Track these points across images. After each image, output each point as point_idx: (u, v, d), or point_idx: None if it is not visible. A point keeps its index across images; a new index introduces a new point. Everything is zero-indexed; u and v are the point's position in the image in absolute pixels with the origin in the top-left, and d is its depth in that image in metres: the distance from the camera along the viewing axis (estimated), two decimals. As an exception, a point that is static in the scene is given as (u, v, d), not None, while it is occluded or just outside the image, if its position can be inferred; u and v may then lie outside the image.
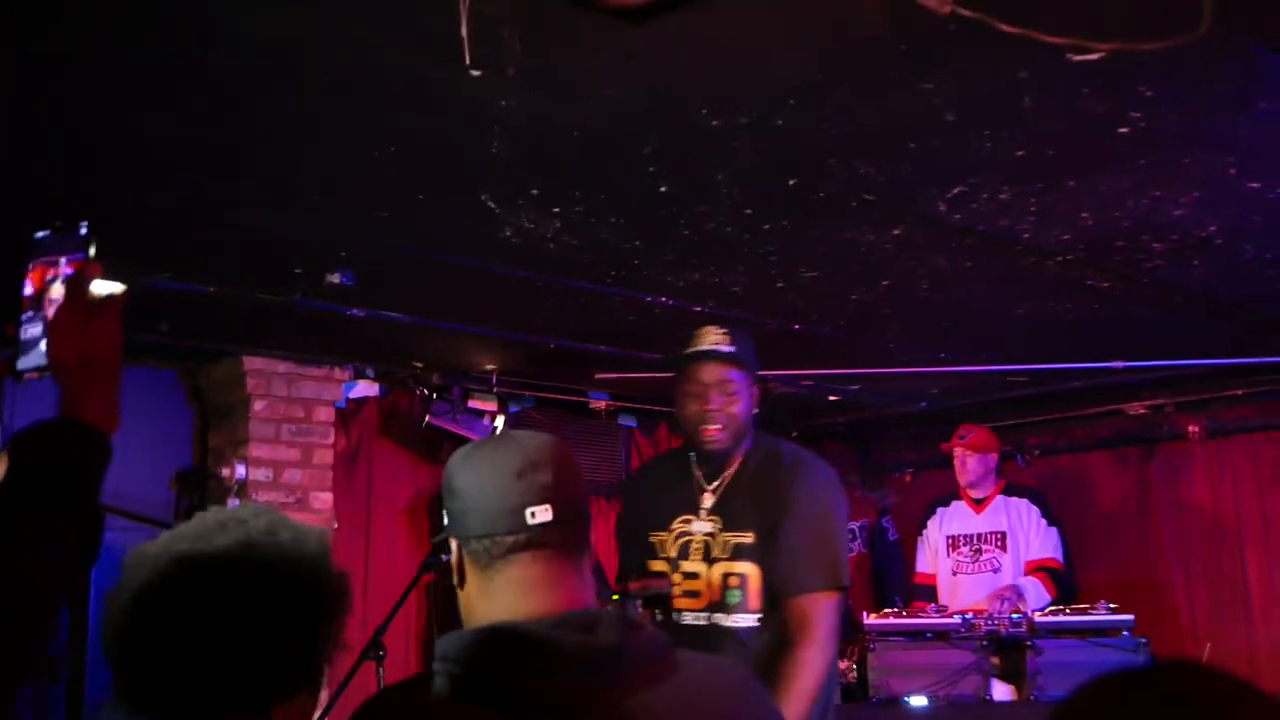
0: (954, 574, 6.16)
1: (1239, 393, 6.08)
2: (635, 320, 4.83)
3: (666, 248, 3.96)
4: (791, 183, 3.38)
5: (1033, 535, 6.01)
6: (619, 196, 3.51)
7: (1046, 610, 5.30)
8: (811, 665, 3.24)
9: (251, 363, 5.44)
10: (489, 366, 5.79)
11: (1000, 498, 6.12)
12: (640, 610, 3.40)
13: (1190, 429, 6.41)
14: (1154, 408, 6.42)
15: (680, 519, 3.50)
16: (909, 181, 3.41)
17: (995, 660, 5.19)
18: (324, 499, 5.60)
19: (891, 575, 7.02)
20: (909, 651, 5.24)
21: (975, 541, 6.11)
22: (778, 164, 3.28)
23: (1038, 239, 3.88)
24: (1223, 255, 4.10)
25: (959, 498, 6.22)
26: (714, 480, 3.50)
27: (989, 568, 6.02)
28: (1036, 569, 5.88)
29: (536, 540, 1.75)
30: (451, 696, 1.64)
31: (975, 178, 3.36)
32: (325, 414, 5.66)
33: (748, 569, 3.41)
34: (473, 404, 6.01)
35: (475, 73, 2.64)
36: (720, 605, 3.41)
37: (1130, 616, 5.03)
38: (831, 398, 6.35)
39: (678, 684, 1.72)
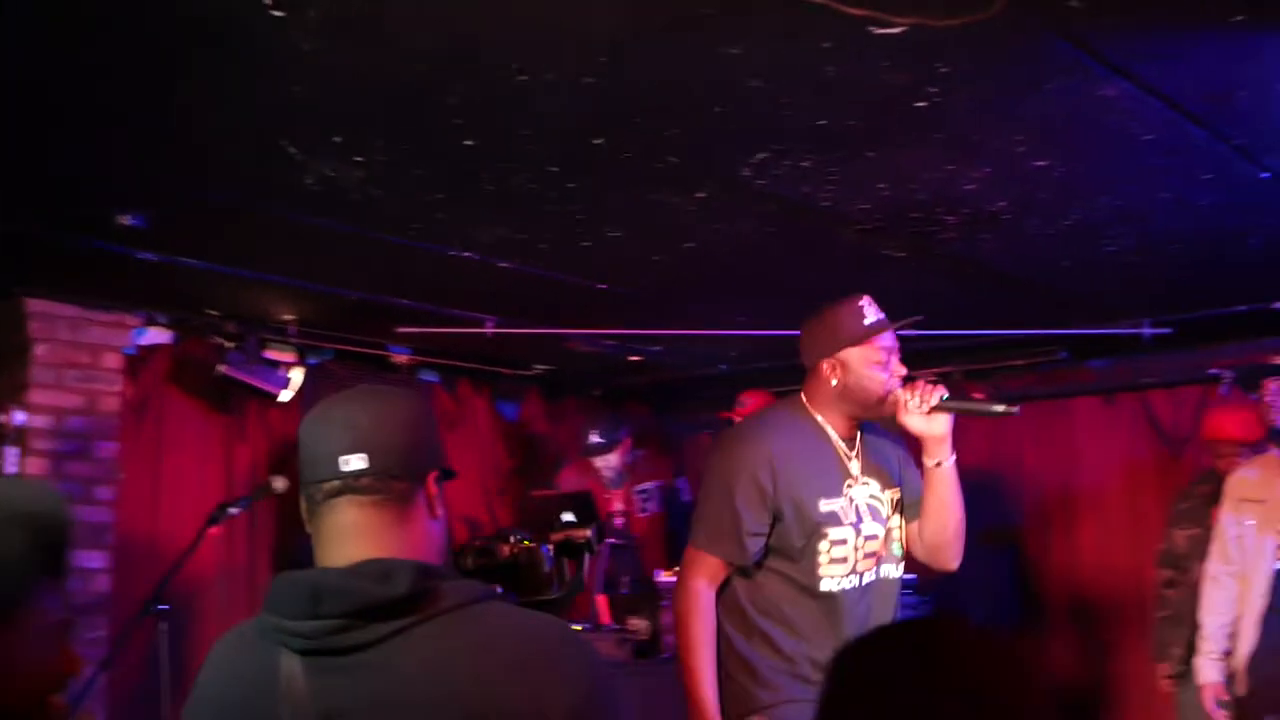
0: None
1: (1020, 362, 6.33)
2: (439, 274, 4.78)
3: (471, 202, 3.92)
4: (597, 142, 3.38)
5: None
6: (423, 148, 3.45)
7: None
8: None
9: (35, 305, 5.20)
10: (287, 317, 5.66)
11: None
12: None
13: (975, 396, 6.64)
14: (943, 375, 6.62)
15: (845, 483, 3.46)
16: (713, 146, 3.44)
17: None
18: (108, 448, 5.40)
19: (685, 535, 7.10)
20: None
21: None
22: (584, 122, 3.27)
23: (837, 207, 3.97)
24: (1011, 230, 4.25)
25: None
26: (852, 446, 3.50)
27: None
28: None
29: (352, 487, 1.82)
30: (254, 637, 1.78)
31: (778, 145, 3.42)
32: (113, 360, 5.45)
33: (902, 521, 3.54)
34: (269, 354, 5.87)
35: (278, 13, 2.56)
36: (889, 558, 3.49)
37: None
38: (633, 358, 6.39)
39: (471, 635, 1.73)
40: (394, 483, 1.84)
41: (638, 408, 7.55)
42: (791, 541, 3.37)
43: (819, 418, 3.48)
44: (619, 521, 6.32)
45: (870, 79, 2.97)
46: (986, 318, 5.57)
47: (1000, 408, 3.41)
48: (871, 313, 3.49)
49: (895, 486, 3.52)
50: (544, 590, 2.32)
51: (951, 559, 3.50)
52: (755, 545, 3.38)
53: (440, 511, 1.91)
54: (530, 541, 2.36)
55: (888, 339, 3.47)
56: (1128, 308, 5.51)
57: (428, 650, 1.72)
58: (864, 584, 3.41)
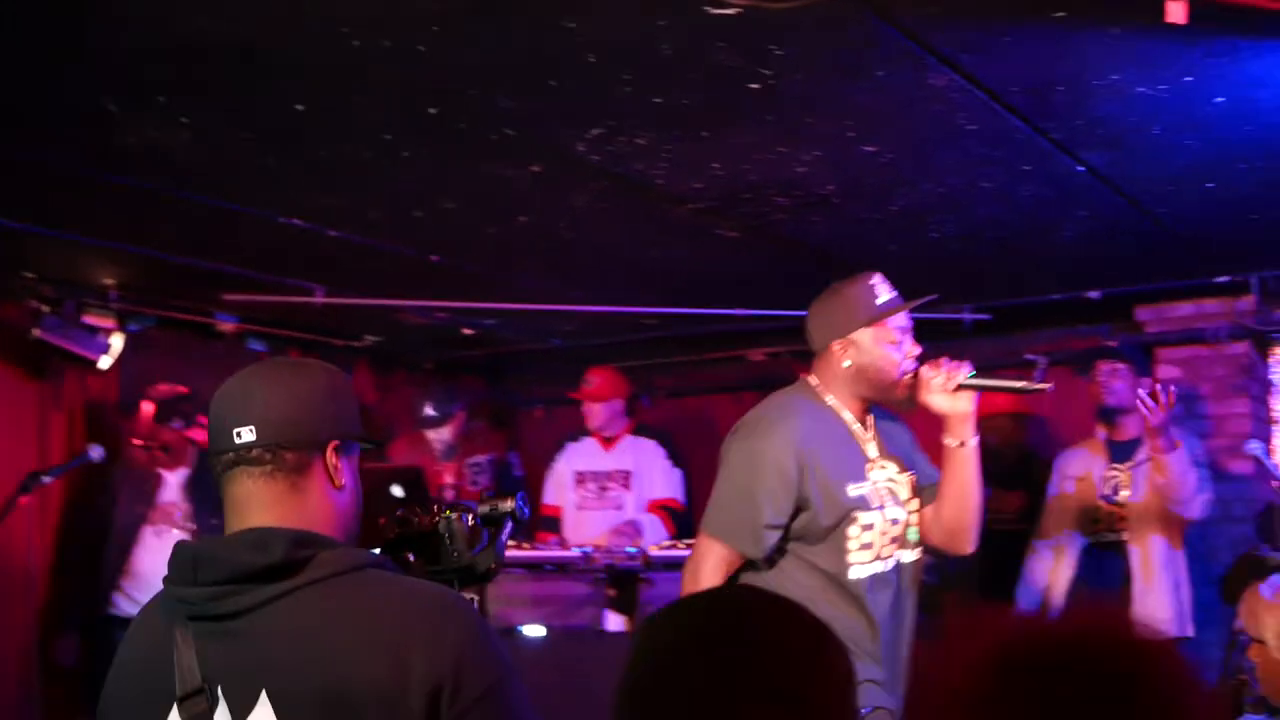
0: (579, 508, 6.31)
1: (849, 344, 6.44)
2: (267, 241, 4.67)
3: (301, 168, 3.85)
4: (432, 111, 3.34)
5: (657, 475, 6.22)
6: (253, 111, 3.37)
7: (662, 545, 5.50)
8: None
9: None
10: (107, 281, 5.47)
11: (629, 437, 6.30)
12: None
13: (804, 376, 6.75)
14: (773, 355, 6.73)
15: (868, 466, 3.37)
16: (549, 119, 3.43)
17: (611, 592, 5.35)
18: (-87, 414, 5.17)
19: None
20: (530, 583, 5.33)
21: (601, 478, 6.28)
22: (419, 92, 3.23)
23: (671, 186, 4.00)
24: (839, 213, 4.34)
25: (590, 434, 6.36)
26: (868, 430, 3.40)
27: (612, 504, 6.20)
28: (658, 508, 6.10)
29: (244, 459, 1.89)
30: (159, 604, 1.90)
31: (614, 120, 3.42)
32: (-80, 323, 5.22)
33: (919, 505, 3.44)
34: (88, 319, 5.66)
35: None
36: (905, 542, 3.38)
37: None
38: (466, 331, 6.35)
39: (343, 603, 1.78)
40: (284, 454, 1.89)
41: (471, 381, 7.51)
42: (819, 527, 3.26)
43: (831, 400, 3.37)
44: (449, 495, 6.28)
45: (705, 59, 3.00)
46: (813, 299, 5.66)
47: (1026, 384, 3.36)
48: (884, 291, 3.38)
49: (909, 470, 3.43)
50: (462, 561, 2.31)
51: (969, 542, 3.40)
52: (771, 539, 3.26)
53: (344, 481, 1.94)
54: (453, 511, 2.34)
55: (901, 318, 3.36)
56: (950, 294, 5.67)
57: (299, 617, 1.77)
58: (888, 570, 3.31)
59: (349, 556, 1.85)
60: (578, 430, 6.44)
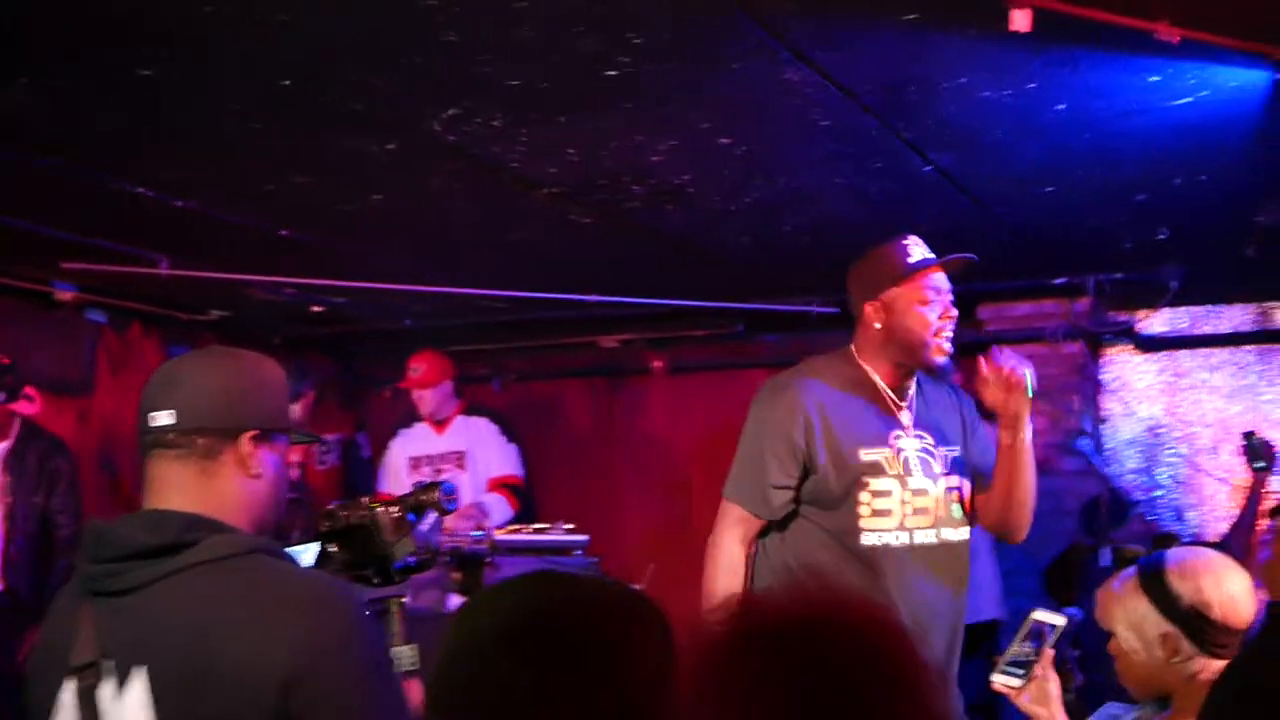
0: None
1: (700, 333, 6.52)
2: (110, 209, 4.53)
3: (148, 135, 3.74)
4: (286, 83, 3.28)
5: (492, 453, 6.19)
6: (101, 75, 3.27)
7: (508, 529, 5.49)
8: None
9: None
10: (-64, 246, 5.26)
11: (460, 418, 6.25)
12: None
13: (655, 364, 6.82)
14: (625, 342, 6.76)
15: (893, 434, 3.29)
16: (406, 97, 3.40)
17: (456, 576, 5.32)
18: None
19: (362, 492, 7.02)
20: (372, 565, 5.28)
21: (435, 461, 6.23)
22: (273, 63, 3.17)
23: (526, 169, 3.99)
24: (695, 204, 4.38)
25: (420, 419, 6.31)
26: (903, 395, 3.33)
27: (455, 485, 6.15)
28: (499, 485, 6.08)
29: (160, 441, 1.95)
30: (74, 580, 1.97)
31: (471, 101, 3.40)
32: None
33: (964, 483, 3.36)
34: (-85, 285, 5.45)
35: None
36: (947, 520, 3.31)
37: (585, 537, 5.29)
38: (315, 308, 6.25)
39: (222, 586, 1.84)
40: (196, 439, 1.95)
41: (319, 359, 7.40)
42: (829, 491, 3.24)
43: (865, 366, 3.34)
44: (295, 473, 6.19)
45: (564, 43, 3.00)
46: (670, 288, 5.72)
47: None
48: (917, 251, 3.30)
49: (953, 445, 3.37)
50: (381, 555, 2.32)
51: (1020, 531, 3.39)
52: (779, 499, 3.27)
53: (260, 470, 1.98)
54: (380, 505, 2.35)
55: (935, 279, 3.28)
56: (800, 286, 5.77)
57: (181, 597, 1.84)
58: (916, 543, 3.25)
59: (237, 542, 1.90)
60: (409, 415, 6.38)
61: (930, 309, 3.25)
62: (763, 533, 3.35)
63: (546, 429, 7.08)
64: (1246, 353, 5.98)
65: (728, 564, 3.32)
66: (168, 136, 3.74)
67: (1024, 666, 2.71)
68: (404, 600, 2.33)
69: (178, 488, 1.95)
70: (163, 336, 6.56)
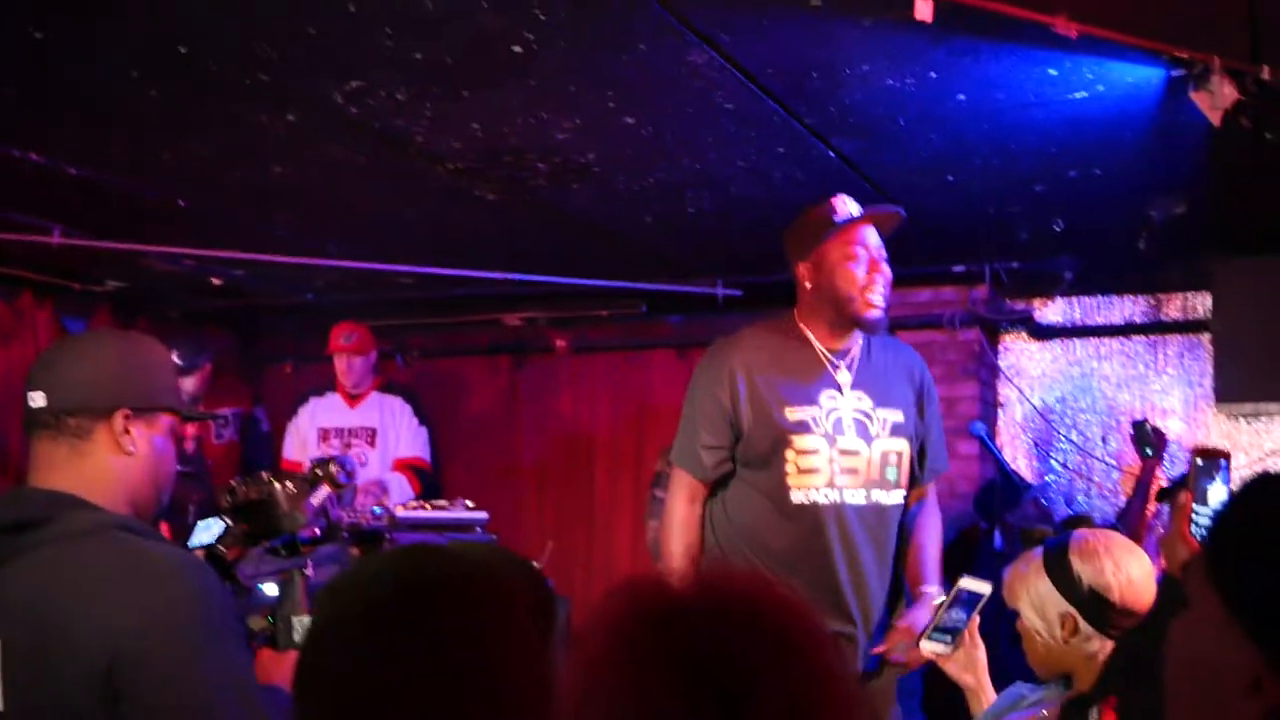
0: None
1: (604, 313, 6.51)
2: (2, 176, 4.41)
3: (39, 100, 3.65)
4: (183, 50, 3.21)
5: (404, 432, 6.16)
6: (-13, 36, 3.19)
7: (409, 505, 5.46)
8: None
9: None
10: None
11: (375, 395, 6.22)
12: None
13: (559, 343, 6.80)
14: (528, 320, 6.74)
15: (826, 393, 3.29)
16: (307, 68, 3.36)
17: (355, 552, 5.28)
18: None
19: (260, 466, 6.95)
20: (270, 541, 5.23)
21: (346, 435, 6.18)
22: (169, 29, 3.11)
23: (430, 144, 3.95)
24: (599, 183, 4.37)
25: (334, 389, 6.26)
26: (844, 356, 3.33)
27: (357, 462, 6.11)
28: (404, 466, 6.05)
29: (36, 422, 2.02)
30: None
31: (374, 74, 3.37)
32: None
33: (902, 446, 3.37)
34: None
35: None
36: (879, 483, 3.33)
37: (484, 514, 5.28)
38: (215, 281, 6.16)
39: (70, 561, 1.89)
40: (67, 419, 2.00)
41: (218, 332, 7.28)
42: (757, 450, 3.30)
43: (803, 327, 3.37)
44: (190, 446, 6.09)
45: (469, 18, 2.98)
46: (573, 267, 5.71)
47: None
48: (844, 208, 3.32)
49: (896, 409, 3.38)
50: (281, 529, 2.36)
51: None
52: (712, 459, 3.34)
53: (133, 449, 2.03)
54: (277, 480, 2.39)
55: (863, 234, 3.29)
56: (704, 268, 5.79)
57: (36, 572, 1.89)
58: (846, 502, 3.29)
59: (91, 519, 1.94)
60: (322, 385, 6.32)
61: (857, 265, 3.28)
62: (713, 495, 3.44)
63: (449, 406, 7.04)
64: (1137, 343, 6.11)
65: (678, 524, 3.41)
66: (60, 102, 3.66)
67: (952, 633, 2.76)
68: (306, 572, 2.33)
69: (52, 466, 2.01)
70: (56, 307, 6.41)
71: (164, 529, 5.70)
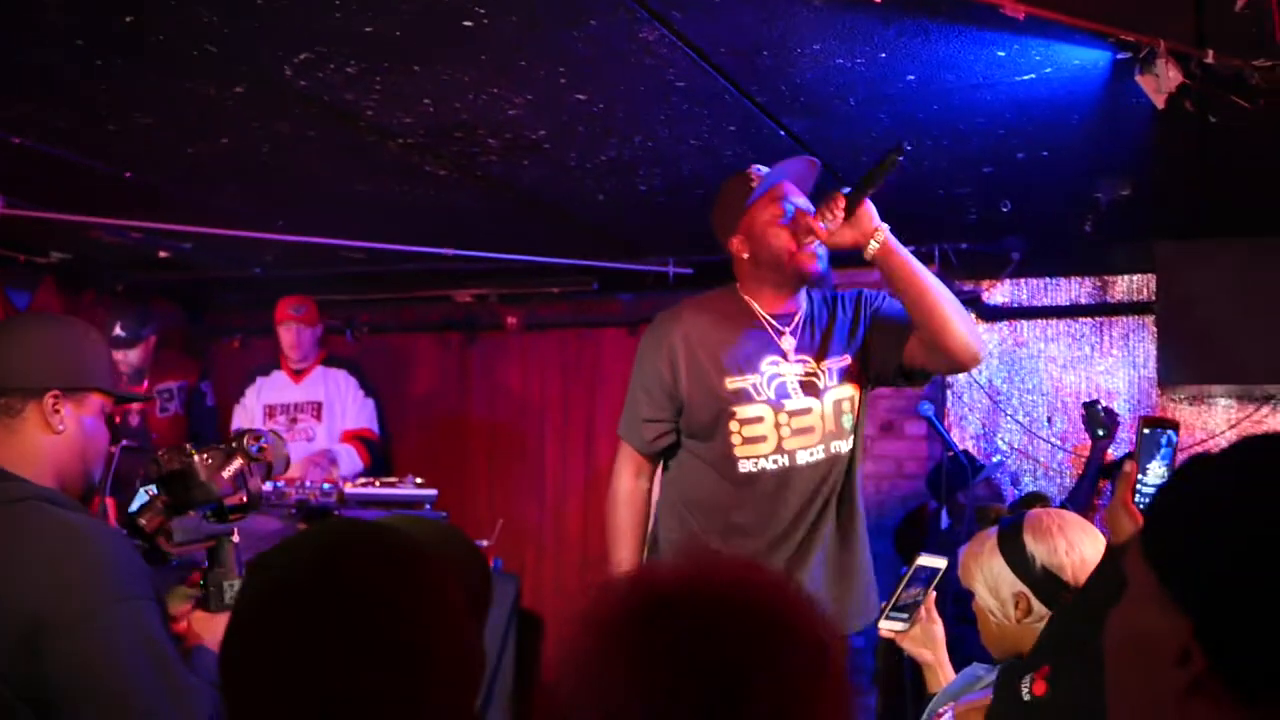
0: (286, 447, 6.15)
1: (555, 290, 6.50)
2: (-59, 144, 4.36)
3: (-18, 69, 3.60)
4: (128, 19, 3.18)
5: (350, 405, 6.14)
6: (-73, 1, 3.14)
7: (357, 482, 5.44)
8: None
9: None
10: None
11: (320, 368, 6.19)
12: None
13: (509, 320, 6.79)
14: (479, 297, 6.73)
15: (768, 360, 3.27)
16: (255, 39, 3.32)
17: (303, 528, 5.26)
18: None
19: (206, 441, 6.88)
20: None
21: (291, 410, 6.15)
22: (115, -2, 3.07)
23: (380, 118, 3.93)
24: (550, 159, 4.36)
25: (279, 367, 6.22)
26: (788, 322, 3.32)
27: (303, 437, 6.08)
28: (352, 438, 6.03)
29: None
30: None
31: (323, 46, 3.34)
32: None
33: (850, 391, 3.36)
34: None
35: None
36: (836, 433, 3.32)
37: (433, 491, 5.28)
38: (162, 254, 6.09)
39: (5, 527, 2.04)
40: (5, 399, 2.15)
41: (165, 305, 7.21)
42: (700, 421, 3.32)
43: (746, 297, 3.38)
44: (135, 420, 6.04)
45: (418, -9, 2.96)
46: (525, 243, 5.70)
47: (890, 157, 3.13)
48: (758, 173, 3.35)
49: (842, 355, 3.35)
50: (195, 499, 2.41)
51: (962, 349, 3.16)
52: (651, 433, 3.38)
53: (63, 428, 2.18)
54: (197, 453, 2.44)
55: (784, 193, 3.31)
56: (655, 246, 5.79)
57: None
58: (798, 463, 3.30)
59: (12, 490, 2.07)
60: (267, 362, 6.29)
61: (786, 220, 3.30)
62: (666, 469, 3.47)
63: (398, 382, 7.02)
64: (1083, 324, 6.18)
65: (622, 499, 3.43)
66: (3, 71, 3.60)
67: (909, 610, 2.76)
68: (234, 538, 2.42)
69: None
70: (1, 279, 6.33)
71: (110, 504, 5.67)
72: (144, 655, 2.02)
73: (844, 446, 3.37)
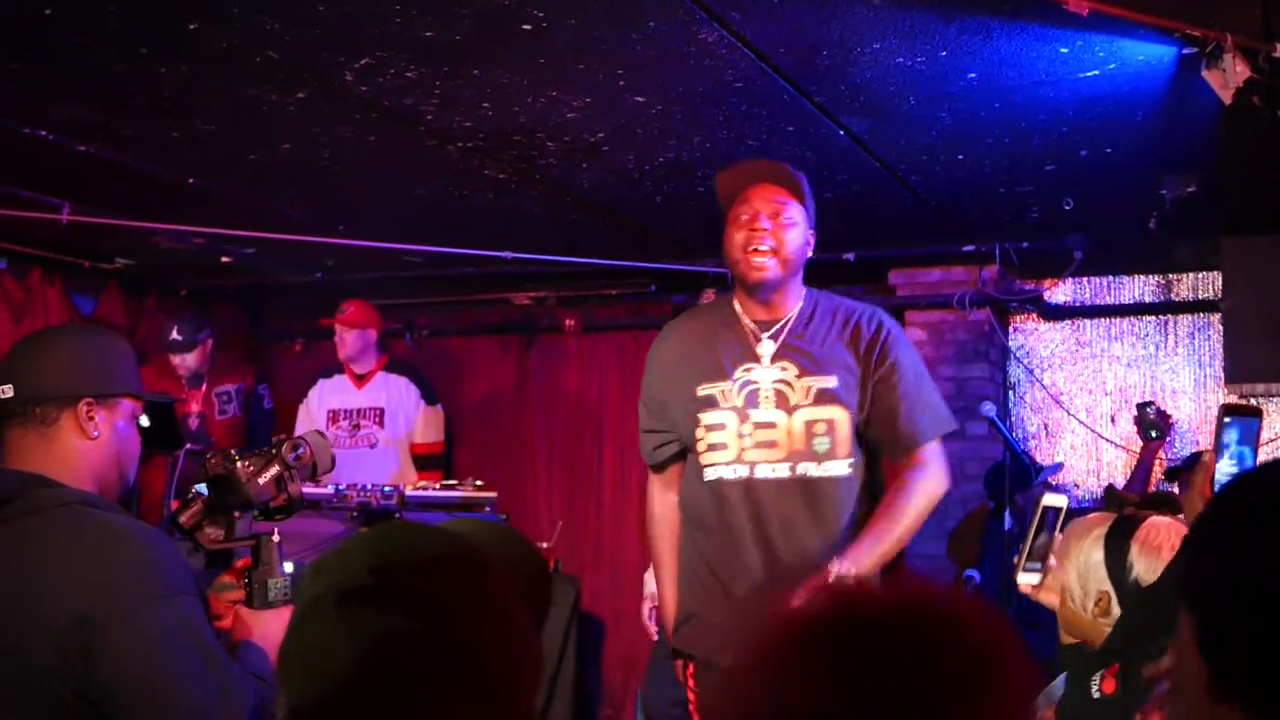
0: (331, 446, 6.20)
1: (613, 292, 6.51)
2: (9, 152, 4.41)
3: (47, 77, 3.64)
4: (192, 26, 3.21)
5: (413, 414, 6.19)
6: (-3, 13, 3.18)
7: (418, 485, 5.47)
8: (925, 489, 3.23)
9: None
10: None
11: (381, 374, 6.24)
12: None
13: (568, 322, 6.80)
14: (537, 299, 6.74)
15: (742, 367, 3.22)
16: (316, 45, 3.34)
17: (364, 530, 5.29)
18: None
19: (262, 442, 6.92)
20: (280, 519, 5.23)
21: (354, 417, 6.20)
22: (179, 5, 3.10)
23: (440, 123, 3.95)
24: (608, 161, 4.36)
25: (342, 371, 6.27)
26: (770, 328, 3.25)
27: (365, 443, 6.13)
28: (421, 456, 6.11)
29: (5, 412, 2.23)
30: None
31: (384, 52, 3.35)
32: None
33: (834, 414, 3.18)
34: None
35: None
36: (805, 454, 3.16)
37: (493, 494, 5.29)
38: (224, 259, 6.15)
39: (40, 535, 2.08)
40: (34, 408, 2.21)
41: (226, 310, 7.29)
42: (680, 429, 3.31)
43: (735, 303, 3.33)
44: (194, 423, 6.11)
45: (478, -5, 2.97)
46: (583, 246, 5.70)
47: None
48: (727, 179, 3.30)
49: (828, 376, 3.20)
50: (235, 503, 2.48)
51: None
52: (651, 442, 3.39)
53: (97, 434, 2.24)
54: (240, 458, 2.51)
55: (748, 198, 3.21)
56: (712, 247, 5.76)
57: (5, 546, 2.08)
58: (757, 476, 3.17)
59: (56, 495, 2.13)
60: (330, 366, 6.34)
61: (740, 228, 3.22)
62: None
63: (458, 385, 7.05)
64: (1147, 323, 6.10)
65: (650, 515, 3.49)
66: (69, 78, 3.65)
67: (1041, 559, 2.60)
68: (274, 537, 2.48)
69: (21, 452, 2.22)
70: (65, 284, 6.43)
71: (175, 506, 5.72)
72: (192, 651, 2.07)
73: (816, 471, 3.18)
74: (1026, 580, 2.57)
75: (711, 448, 3.22)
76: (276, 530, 2.52)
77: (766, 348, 3.25)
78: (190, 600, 2.15)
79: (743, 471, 3.19)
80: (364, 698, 1.36)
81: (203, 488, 2.53)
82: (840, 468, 3.19)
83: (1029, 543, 2.57)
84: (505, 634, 1.44)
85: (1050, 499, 2.58)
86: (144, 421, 4.28)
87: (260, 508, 2.52)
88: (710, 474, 3.23)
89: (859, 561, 3.04)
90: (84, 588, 2.02)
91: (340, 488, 5.32)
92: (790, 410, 3.19)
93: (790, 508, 3.17)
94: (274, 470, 2.54)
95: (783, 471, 3.18)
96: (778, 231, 3.19)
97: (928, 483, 3.24)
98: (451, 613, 1.40)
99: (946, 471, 3.31)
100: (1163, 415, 5.25)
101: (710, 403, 3.23)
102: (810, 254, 3.33)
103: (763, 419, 3.20)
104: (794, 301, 3.30)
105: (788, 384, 3.21)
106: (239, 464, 2.50)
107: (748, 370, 3.23)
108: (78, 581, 2.03)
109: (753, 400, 3.21)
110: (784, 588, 3.03)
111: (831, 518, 3.18)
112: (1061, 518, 2.58)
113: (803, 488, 3.18)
